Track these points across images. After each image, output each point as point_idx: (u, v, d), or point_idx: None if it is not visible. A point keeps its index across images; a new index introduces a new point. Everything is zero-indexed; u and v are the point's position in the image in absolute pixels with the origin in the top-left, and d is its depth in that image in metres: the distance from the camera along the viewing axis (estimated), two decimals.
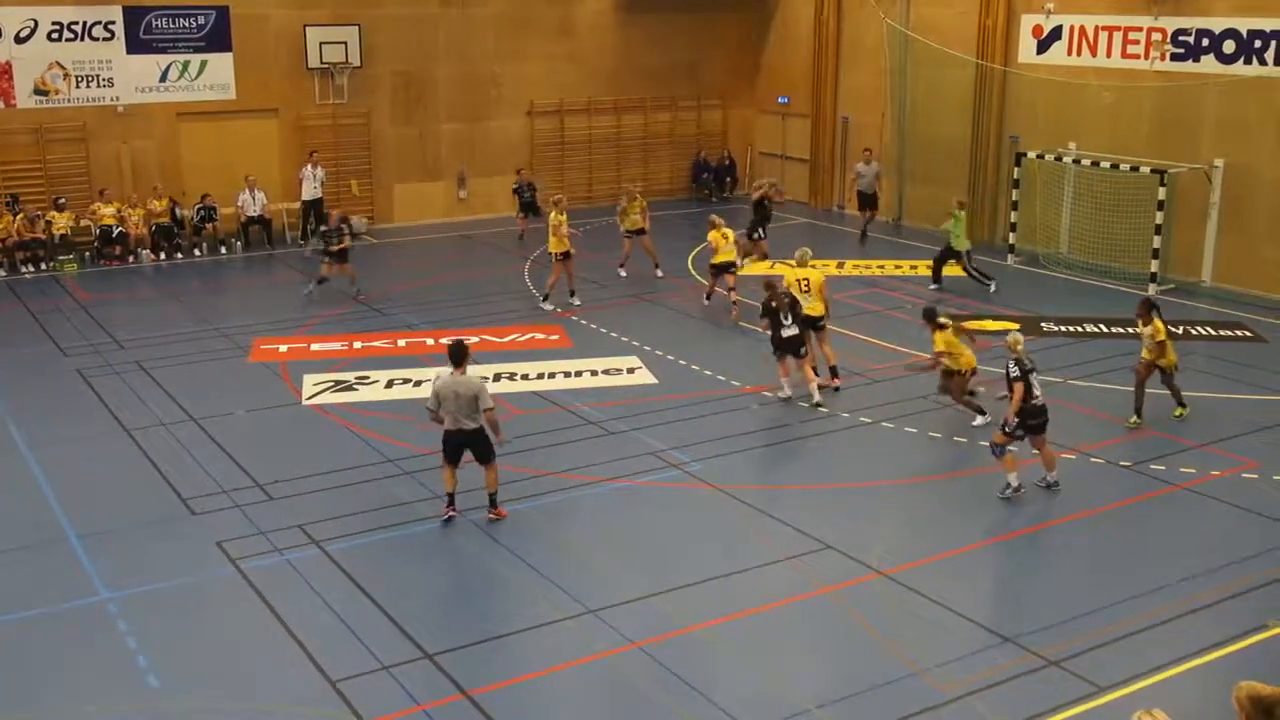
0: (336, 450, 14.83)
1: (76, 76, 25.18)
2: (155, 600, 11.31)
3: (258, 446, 14.96)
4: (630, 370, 17.92)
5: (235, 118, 26.75)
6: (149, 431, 15.47)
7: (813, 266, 17.58)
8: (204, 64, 26.26)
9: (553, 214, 21.13)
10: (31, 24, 24.63)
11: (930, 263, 23.03)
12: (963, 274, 22.38)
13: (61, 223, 24.50)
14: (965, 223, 22.22)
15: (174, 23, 25.86)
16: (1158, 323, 15.36)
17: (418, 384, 17.18)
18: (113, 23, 25.31)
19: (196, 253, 25.74)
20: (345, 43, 27.07)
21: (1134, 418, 15.49)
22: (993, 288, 22.17)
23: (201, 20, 26.10)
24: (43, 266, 24.20)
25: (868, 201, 27.40)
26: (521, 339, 19.47)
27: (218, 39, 26.31)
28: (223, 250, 25.97)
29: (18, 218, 24.07)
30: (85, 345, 19.18)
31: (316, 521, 12.76)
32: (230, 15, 26.32)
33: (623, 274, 23.36)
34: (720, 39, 32.11)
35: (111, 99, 25.56)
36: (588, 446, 14.96)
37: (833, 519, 12.87)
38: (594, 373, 17.79)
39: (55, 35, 24.83)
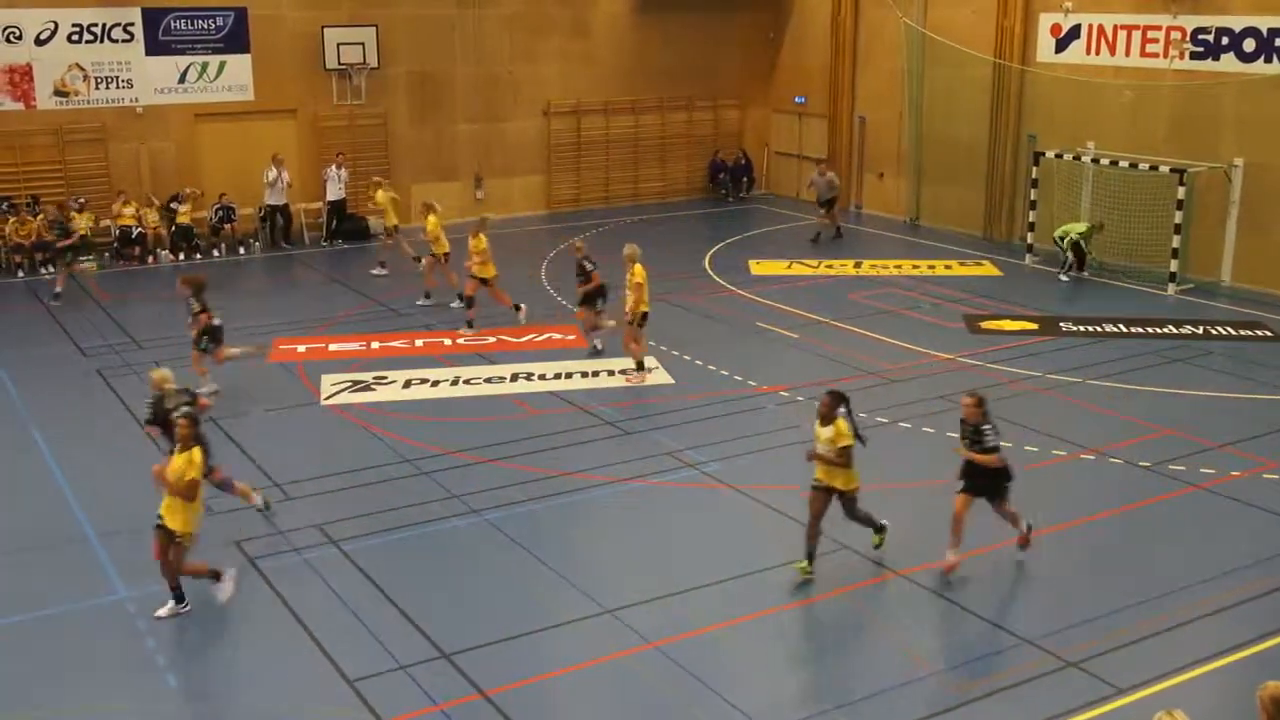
0: (354, 450, 14.86)
1: (96, 78, 25.31)
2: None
3: (276, 446, 15.00)
4: (647, 370, 17.91)
5: (253, 118, 26.85)
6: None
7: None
8: (222, 65, 26.37)
9: (430, 217, 21.24)
10: (52, 26, 24.77)
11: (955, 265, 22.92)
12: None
13: (81, 223, 24.60)
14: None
15: (193, 24, 25.97)
16: (842, 423, 11.23)
17: (435, 384, 17.22)
18: (132, 24, 25.44)
19: (215, 253, 25.84)
20: (362, 43, 27.16)
21: (804, 562, 11.59)
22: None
23: (220, 22, 26.21)
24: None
25: (825, 204, 27.01)
26: (539, 339, 19.48)
27: (236, 40, 26.41)
28: (241, 251, 26.06)
29: (38, 219, 24.21)
30: (104, 345, 19.26)
31: (334, 521, 12.79)
32: (248, 16, 26.43)
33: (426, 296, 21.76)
34: (736, 39, 32.07)
35: (130, 100, 25.68)
36: (604, 446, 14.96)
37: (849, 520, 12.81)
38: (611, 373, 17.78)
39: (75, 37, 24.96)
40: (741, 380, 17.34)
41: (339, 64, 27.11)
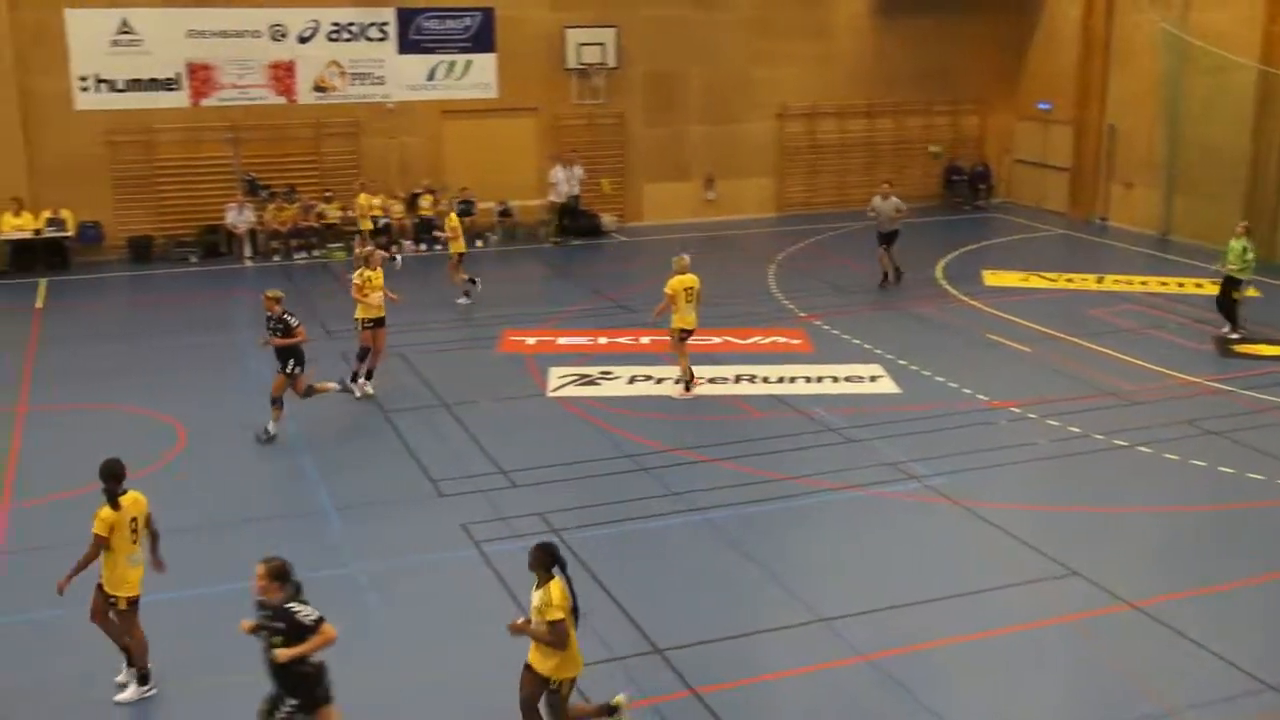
0: (578, 442, 15.14)
1: (351, 74, 26.62)
2: (403, 574, 11.81)
3: (503, 434, 15.43)
4: (873, 378, 17.60)
5: (496, 116, 27.71)
6: (405, 414, 16.18)
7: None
8: (469, 64, 27.33)
9: (452, 215, 22.02)
10: (314, 25, 26.19)
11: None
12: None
13: (332, 213, 26.03)
14: None
15: (442, 24, 27.02)
16: (555, 588, 8.55)
17: (659, 381, 17.37)
18: (386, 24, 26.65)
19: None
20: (603, 44, 27.65)
21: None
22: None
23: (468, 22, 27.17)
24: (314, 254, 25.77)
25: (884, 239, 23.21)
26: (764, 341, 19.42)
27: (483, 40, 27.33)
28: (478, 244, 26.93)
29: (295, 206, 25.71)
30: (350, 330, 20.15)
31: (556, 510, 13.06)
32: (495, 17, 27.30)
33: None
34: (980, 42, 31.16)
35: (382, 96, 26.89)
36: (826, 453, 14.78)
37: (1079, 544, 12.29)
38: (835, 379, 17.56)
39: (334, 35, 26.33)
40: (970, 393, 16.84)
41: (579, 64, 27.68)
